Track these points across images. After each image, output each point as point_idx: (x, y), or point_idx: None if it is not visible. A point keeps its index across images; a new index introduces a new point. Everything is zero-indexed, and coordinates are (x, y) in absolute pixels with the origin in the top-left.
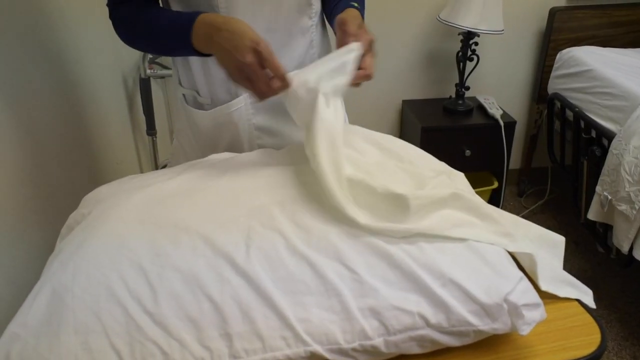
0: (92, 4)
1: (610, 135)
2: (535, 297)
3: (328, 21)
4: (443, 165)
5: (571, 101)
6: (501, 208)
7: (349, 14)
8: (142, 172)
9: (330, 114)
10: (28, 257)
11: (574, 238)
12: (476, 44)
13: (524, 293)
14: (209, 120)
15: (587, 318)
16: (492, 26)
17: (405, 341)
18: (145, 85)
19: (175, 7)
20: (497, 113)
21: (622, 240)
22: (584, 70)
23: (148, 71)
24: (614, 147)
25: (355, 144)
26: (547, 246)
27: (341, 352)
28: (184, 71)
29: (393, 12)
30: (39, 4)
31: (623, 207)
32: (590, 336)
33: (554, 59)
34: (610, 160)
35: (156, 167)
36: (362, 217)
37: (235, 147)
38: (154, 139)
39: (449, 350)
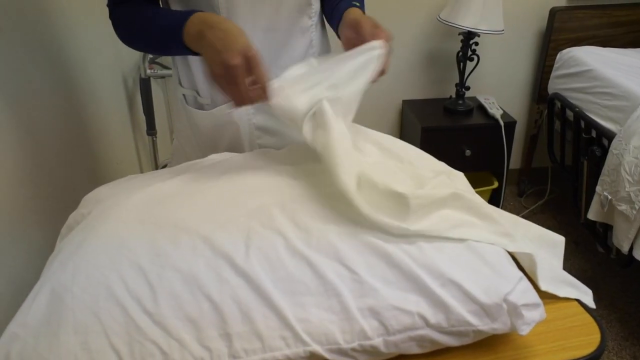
0: (92, 4)
1: (610, 135)
2: (534, 297)
3: (328, 21)
4: (443, 166)
5: (571, 101)
6: (501, 208)
7: (359, 14)
8: (142, 172)
9: (339, 124)
10: (28, 257)
11: (574, 238)
12: (476, 44)
13: (523, 293)
14: (209, 120)
15: (586, 318)
16: (492, 26)
17: (404, 341)
18: (145, 85)
19: (174, 6)
20: (497, 113)
21: (622, 240)
22: (584, 70)
23: (148, 71)
24: (614, 147)
25: (355, 143)
26: (547, 246)
27: (340, 352)
28: (184, 71)
29: (393, 12)
30: (40, 3)
31: (623, 207)
32: (590, 336)
33: (554, 59)
34: (610, 160)
35: (156, 167)
36: (366, 207)
37: (235, 147)
38: (154, 139)
39: (448, 350)
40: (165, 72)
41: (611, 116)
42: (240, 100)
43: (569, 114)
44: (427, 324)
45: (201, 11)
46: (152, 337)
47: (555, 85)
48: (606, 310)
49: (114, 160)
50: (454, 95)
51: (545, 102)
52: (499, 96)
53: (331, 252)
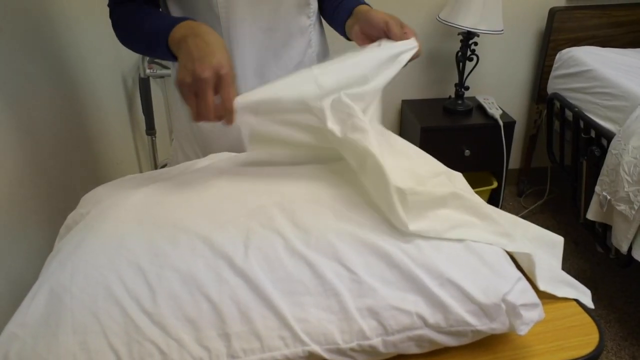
0: (92, 4)
1: (609, 136)
2: (533, 297)
3: (329, 20)
4: (442, 166)
5: (571, 101)
6: (500, 208)
7: (381, 12)
8: (141, 171)
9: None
10: (28, 257)
11: (574, 238)
12: (476, 44)
13: (522, 293)
14: None
15: (585, 318)
16: (491, 26)
17: (403, 341)
18: (144, 85)
19: (172, 7)
20: (496, 113)
21: (621, 240)
22: (584, 71)
23: (147, 71)
24: (613, 147)
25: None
26: (545, 246)
27: (339, 352)
28: None
29: (393, 12)
30: (40, 4)
31: (622, 207)
32: (589, 336)
33: (554, 59)
34: (609, 160)
35: (155, 167)
36: (402, 214)
37: (235, 147)
38: (153, 138)
39: (447, 350)
40: (164, 72)
41: (610, 116)
42: (199, 114)
43: (568, 114)
44: (426, 324)
45: (194, 19)
46: (150, 337)
47: (554, 85)
48: (605, 310)
49: (113, 160)
50: (453, 95)
51: (545, 102)
52: (498, 96)
53: (330, 252)
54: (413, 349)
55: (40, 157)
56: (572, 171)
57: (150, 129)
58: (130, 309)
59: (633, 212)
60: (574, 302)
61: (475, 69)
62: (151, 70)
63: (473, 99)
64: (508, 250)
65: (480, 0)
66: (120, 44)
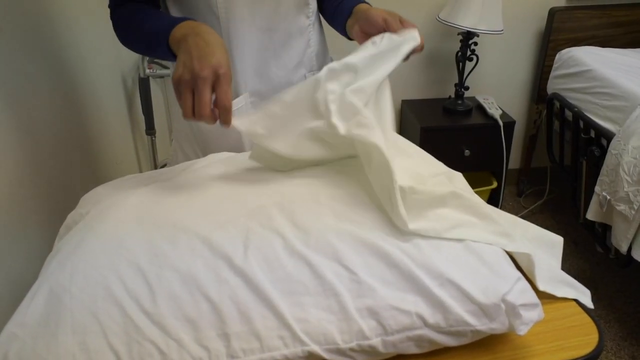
0: (92, 4)
1: (609, 136)
2: (533, 297)
3: (329, 20)
4: (442, 166)
5: (570, 101)
6: (500, 208)
7: (380, 10)
8: (141, 171)
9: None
10: (28, 257)
11: (573, 238)
12: (475, 44)
13: (521, 293)
14: None
15: (584, 318)
16: (491, 26)
17: (402, 341)
18: (144, 85)
19: (172, 7)
20: (496, 113)
21: (621, 241)
22: (584, 71)
23: (147, 71)
24: (613, 147)
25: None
26: (545, 246)
27: (339, 352)
28: None
29: None
30: (40, 3)
31: (622, 207)
32: (588, 336)
33: (554, 59)
34: (609, 160)
35: (155, 167)
36: (403, 212)
37: (235, 146)
38: (153, 138)
39: (446, 350)
40: (164, 71)
41: (610, 116)
42: (193, 111)
43: (568, 114)
44: (426, 324)
45: (195, 19)
46: (150, 337)
47: (554, 85)
48: (605, 310)
49: (113, 160)
50: (453, 95)
51: (545, 102)
52: (498, 96)
53: (330, 252)
54: (413, 349)
55: (40, 157)
56: (571, 171)
57: (150, 129)
58: (130, 309)
59: (633, 212)
60: (574, 302)
61: (475, 69)
62: (151, 70)
63: (473, 99)
64: (507, 250)
65: (480, 0)
66: (120, 44)
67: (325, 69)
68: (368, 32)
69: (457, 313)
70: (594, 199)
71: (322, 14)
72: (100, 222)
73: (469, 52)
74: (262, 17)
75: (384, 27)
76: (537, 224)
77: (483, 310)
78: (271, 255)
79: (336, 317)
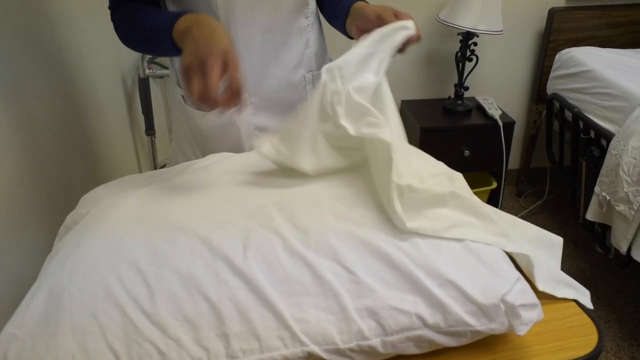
0: (92, 4)
1: (609, 136)
2: (532, 298)
3: (330, 21)
4: (442, 166)
5: (570, 102)
6: (500, 208)
7: (376, 7)
8: (140, 172)
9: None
10: (28, 257)
11: (573, 238)
12: (475, 44)
13: (521, 293)
14: (209, 121)
15: (584, 318)
16: (491, 26)
17: (402, 341)
18: (144, 85)
19: (171, 8)
20: (496, 113)
21: (621, 241)
22: (583, 71)
23: (147, 71)
24: (613, 147)
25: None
26: (544, 247)
27: (338, 352)
28: None
29: None
30: (40, 3)
31: (621, 207)
32: (588, 336)
33: (553, 59)
34: (608, 160)
35: (155, 167)
36: (400, 210)
37: (234, 147)
38: (153, 139)
39: (446, 350)
40: (164, 72)
41: (610, 117)
42: (203, 94)
43: (568, 115)
44: (425, 324)
45: (196, 12)
46: (149, 337)
47: (554, 85)
48: (605, 310)
49: (113, 160)
50: (452, 96)
51: (544, 103)
52: (497, 96)
53: (329, 253)
54: (412, 350)
55: (40, 157)
56: (571, 171)
57: (150, 129)
58: (129, 310)
59: (632, 212)
60: (573, 303)
61: (474, 69)
62: (151, 71)
63: (472, 99)
64: (507, 250)
65: (480, 0)
66: (120, 44)
67: (323, 71)
68: (364, 29)
69: (457, 313)
70: (594, 199)
71: (323, 14)
72: (99, 222)
73: (468, 53)
74: (262, 17)
75: (378, 23)
76: (536, 225)
77: (482, 310)
78: (271, 255)
79: (336, 317)
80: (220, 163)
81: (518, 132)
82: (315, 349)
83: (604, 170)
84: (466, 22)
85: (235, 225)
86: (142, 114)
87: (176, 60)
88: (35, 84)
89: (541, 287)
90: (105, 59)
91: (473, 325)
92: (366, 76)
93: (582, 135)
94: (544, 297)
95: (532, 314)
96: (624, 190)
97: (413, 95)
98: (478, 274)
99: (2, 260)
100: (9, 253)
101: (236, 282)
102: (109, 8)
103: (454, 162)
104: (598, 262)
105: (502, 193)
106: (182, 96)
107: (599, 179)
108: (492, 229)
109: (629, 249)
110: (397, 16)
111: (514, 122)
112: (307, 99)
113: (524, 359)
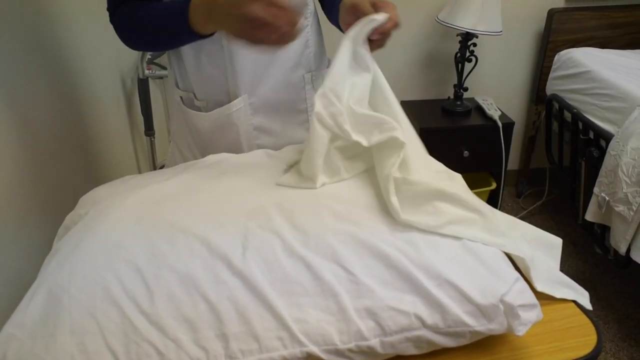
0: (92, 4)
1: (608, 137)
2: (531, 298)
3: (330, 21)
4: (441, 167)
5: (569, 102)
6: (499, 209)
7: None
8: (140, 172)
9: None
10: (27, 257)
11: (572, 239)
12: (475, 45)
13: (520, 294)
14: (208, 121)
15: (583, 319)
16: (490, 27)
17: (401, 342)
18: (143, 86)
19: None
20: (495, 114)
21: (620, 242)
22: (583, 72)
23: (146, 72)
24: (612, 148)
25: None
26: (544, 247)
27: (337, 352)
28: (180, 73)
29: None
30: (40, 4)
31: (620, 208)
32: (587, 337)
33: (553, 60)
34: (608, 161)
35: (154, 168)
36: (396, 204)
37: (234, 147)
38: (152, 139)
39: (445, 351)
40: (163, 72)
41: (609, 117)
42: (277, 39)
43: (567, 115)
44: (424, 324)
45: None
46: (148, 337)
47: (553, 86)
48: (604, 311)
49: (112, 160)
50: (452, 96)
51: (544, 103)
52: (497, 97)
53: (328, 253)
54: (411, 350)
55: (39, 157)
56: (570, 172)
57: (149, 130)
58: (128, 310)
59: (631, 213)
60: (572, 303)
61: (474, 70)
62: (150, 71)
63: (472, 100)
64: (506, 251)
65: (479, 1)
66: (120, 45)
67: (317, 98)
68: (349, 23)
69: (456, 314)
70: (593, 200)
71: (325, 14)
72: (99, 222)
73: (468, 53)
74: None
75: (355, 14)
76: (536, 225)
77: (481, 310)
78: (270, 255)
79: (335, 317)
80: (220, 163)
81: (517, 132)
82: (314, 350)
83: (603, 171)
84: (465, 23)
85: (235, 226)
86: (141, 115)
87: (174, 62)
88: (35, 84)
89: (540, 287)
90: (105, 59)
91: (472, 325)
92: (358, 80)
93: (582, 136)
94: (543, 298)
95: (531, 315)
96: (623, 191)
97: (412, 95)
98: (477, 274)
99: (1, 260)
100: (8, 253)
101: (235, 282)
102: (108, 9)
103: (453, 163)
104: (597, 262)
105: (501, 194)
106: (181, 97)
107: (598, 179)
108: (491, 229)
109: (628, 250)
110: (375, 5)
111: (513, 123)
112: (306, 99)
113: (523, 359)
